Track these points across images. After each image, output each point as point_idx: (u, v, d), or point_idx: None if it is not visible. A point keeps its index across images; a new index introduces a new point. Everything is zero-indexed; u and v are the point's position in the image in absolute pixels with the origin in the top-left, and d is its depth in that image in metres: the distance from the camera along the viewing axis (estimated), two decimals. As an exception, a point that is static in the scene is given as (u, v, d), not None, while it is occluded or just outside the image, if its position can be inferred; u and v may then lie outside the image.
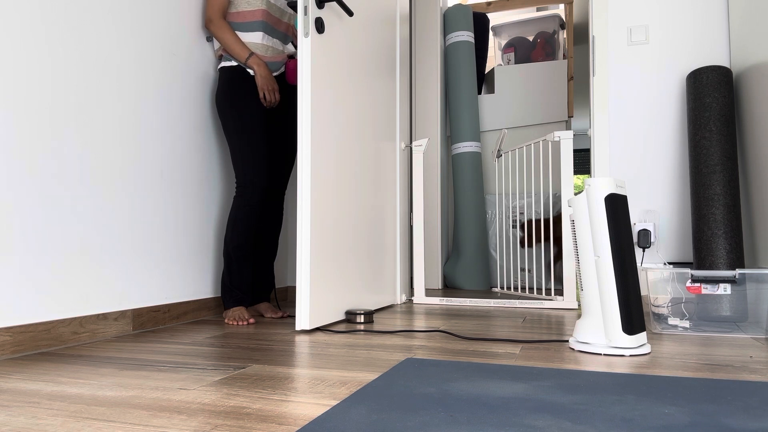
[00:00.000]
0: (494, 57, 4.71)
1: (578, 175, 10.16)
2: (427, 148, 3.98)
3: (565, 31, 4.37)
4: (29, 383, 1.27)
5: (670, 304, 2.02)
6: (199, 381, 1.27)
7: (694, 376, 1.31)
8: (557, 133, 2.78)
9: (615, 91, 2.85)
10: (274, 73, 2.41)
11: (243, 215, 2.26)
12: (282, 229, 3.09)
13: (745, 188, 2.52)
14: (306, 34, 2.03)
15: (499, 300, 2.87)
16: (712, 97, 2.49)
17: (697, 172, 2.46)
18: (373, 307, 2.60)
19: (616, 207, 1.62)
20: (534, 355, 1.56)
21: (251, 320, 2.19)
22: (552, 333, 1.95)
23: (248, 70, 2.29)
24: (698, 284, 1.98)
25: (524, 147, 3.21)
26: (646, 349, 1.60)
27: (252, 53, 2.25)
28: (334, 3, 2.21)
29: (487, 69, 4.79)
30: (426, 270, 3.94)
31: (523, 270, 3.86)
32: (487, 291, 3.68)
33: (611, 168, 2.83)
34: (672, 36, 2.78)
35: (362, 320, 2.19)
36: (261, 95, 2.25)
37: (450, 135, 4.18)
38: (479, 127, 4.08)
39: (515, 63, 4.39)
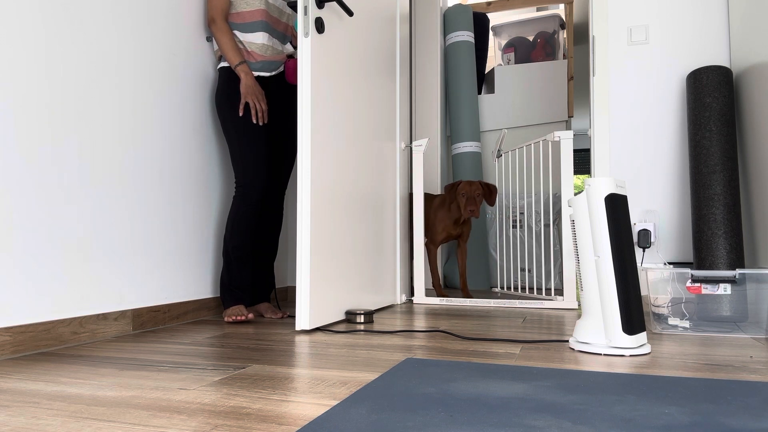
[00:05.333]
0: (494, 57, 4.71)
1: (578, 175, 10.16)
2: (427, 148, 3.98)
3: (565, 31, 4.37)
4: (29, 383, 1.27)
5: (670, 304, 2.02)
6: (199, 381, 1.27)
7: (694, 376, 1.30)
8: (557, 133, 2.78)
9: (615, 91, 2.85)
10: (273, 73, 2.41)
11: (242, 215, 2.26)
12: (282, 229, 3.09)
13: (745, 188, 2.52)
14: (306, 34, 2.03)
15: (499, 300, 2.86)
16: (712, 97, 2.49)
17: (697, 172, 2.46)
18: (373, 307, 2.60)
19: (616, 207, 1.62)
20: (534, 355, 1.56)
21: (250, 315, 2.19)
22: (552, 333, 1.95)
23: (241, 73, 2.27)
24: (698, 284, 1.98)
25: (524, 147, 3.21)
26: (646, 349, 1.60)
27: (243, 61, 2.25)
28: (334, 3, 2.21)
29: (487, 69, 4.79)
30: (426, 270, 3.94)
31: (523, 270, 3.86)
32: (487, 291, 3.68)
33: (611, 168, 2.83)
34: (672, 36, 2.78)
35: (362, 320, 2.19)
36: (243, 103, 2.24)
37: (450, 135, 4.18)
38: (479, 127, 4.08)
39: (515, 63, 4.39)
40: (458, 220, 3.00)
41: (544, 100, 4.10)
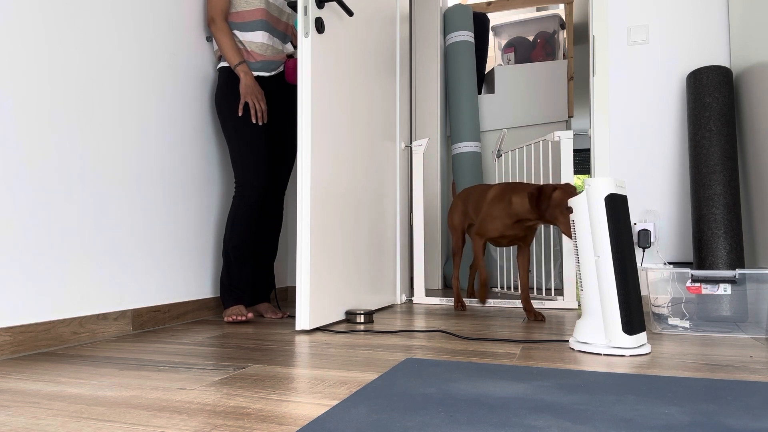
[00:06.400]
0: (494, 57, 4.71)
1: (578, 175, 10.16)
2: (427, 148, 3.98)
3: (565, 31, 4.37)
4: (29, 383, 1.27)
5: (670, 304, 2.02)
6: (199, 381, 1.27)
7: (694, 376, 1.30)
8: (557, 133, 2.78)
9: (615, 91, 2.85)
10: (273, 72, 2.41)
11: (242, 215, 2.26)
12: (282, 229, 3.09)
13: (745, 188, 2.52)
14: (306, 34, 2.03)
15: (499, 300, 2.86)
16: (712, 97, 2.49)
17: (697, 172, 2.46)
18: (373, 307, 2.60)
19: (616, 207, 1.62)
20: (534, 355, 1.56)
21: (249, 314, 2.19)
22: (552, 333, 1.95)
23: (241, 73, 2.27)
24: (698, 284, 1.98)
25: (524, 147, 3.21)
26: (646, 349, 1.60)
27: (243, 61, 2.25)
28: (334, 3, 2.21)
29: (487, 69, 4.79)
30: (426, 270, 3.94)
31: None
32: (487, 291, 3.68)
33: (611, 168, 2.83)
34: (672, 36, 2.78)
35: (362, 320, 2.19)
36: (242, 103, 2.24)
37: (450, 135, 4.18)
38: (479, 127, 4.08)
39: (515, 63, 4.39)
40: (523, 221, 2.35)
41: (544, 100, 4.10)
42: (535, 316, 2.31)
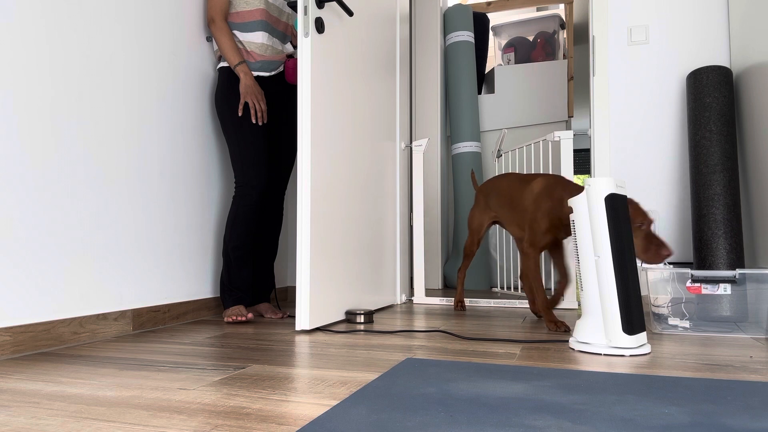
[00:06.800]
0: (494, 57, 4.71)
1: (578, 175, 10.16)
2: (427, 148, 3.98)
3: (565, 31, 4.37)
4: (29, 383, 1.27)
5: (670, 304, 2.02)
6: (199, 381, 1.27)
7: (694, 376, 1.30)
8: (557, 133, 2.78)
9: (615, 91, 2.85)
10: (273, 72, 2.41)
11: (242, 215, 2.26)
12: (282, 229, 3.09)
13: (745, 188, 2.52)
14: (306, 34, 2.03)
15: (499, 300, 2.86)
16: (712, 97, 2.49)
17: (697, 172, 2.46)
18: (373, 307, 2.60)
19: (616, 207, 1.62)
20: (534, 355, 1.56)
21: (249, 315, 2.20)
22: (552, 333, 1.95)
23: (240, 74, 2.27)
24: (698, 284, 1.98)
25: (524, 147, 3.21)
26: (646, 349, 1.60)
27: (243, 61, 2.25)
28: (334, 3, 2.21)
29: (487, 69, 4.79)
30: (426, 270, 3.94)
31: (523, 270, 3.85)
32: (487, 291, 3.68)
33: (611, 168, 2.83)
34: (672, 36, 2.78)
35: (362, 320, 2.19)
36: (242, 103, 2.24)
37: (450, 135, 4.18)
38: (479, 127, 4.08)
39: (515, 63, 4.39)
40: (564, 219, 1.98)
41: (544, 100, 4.10)
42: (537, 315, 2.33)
